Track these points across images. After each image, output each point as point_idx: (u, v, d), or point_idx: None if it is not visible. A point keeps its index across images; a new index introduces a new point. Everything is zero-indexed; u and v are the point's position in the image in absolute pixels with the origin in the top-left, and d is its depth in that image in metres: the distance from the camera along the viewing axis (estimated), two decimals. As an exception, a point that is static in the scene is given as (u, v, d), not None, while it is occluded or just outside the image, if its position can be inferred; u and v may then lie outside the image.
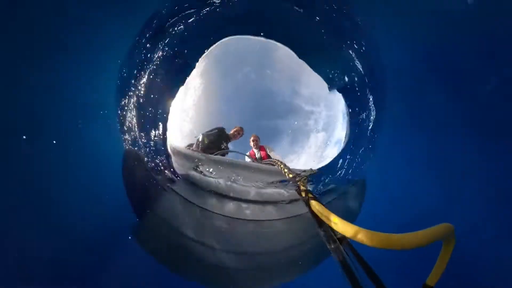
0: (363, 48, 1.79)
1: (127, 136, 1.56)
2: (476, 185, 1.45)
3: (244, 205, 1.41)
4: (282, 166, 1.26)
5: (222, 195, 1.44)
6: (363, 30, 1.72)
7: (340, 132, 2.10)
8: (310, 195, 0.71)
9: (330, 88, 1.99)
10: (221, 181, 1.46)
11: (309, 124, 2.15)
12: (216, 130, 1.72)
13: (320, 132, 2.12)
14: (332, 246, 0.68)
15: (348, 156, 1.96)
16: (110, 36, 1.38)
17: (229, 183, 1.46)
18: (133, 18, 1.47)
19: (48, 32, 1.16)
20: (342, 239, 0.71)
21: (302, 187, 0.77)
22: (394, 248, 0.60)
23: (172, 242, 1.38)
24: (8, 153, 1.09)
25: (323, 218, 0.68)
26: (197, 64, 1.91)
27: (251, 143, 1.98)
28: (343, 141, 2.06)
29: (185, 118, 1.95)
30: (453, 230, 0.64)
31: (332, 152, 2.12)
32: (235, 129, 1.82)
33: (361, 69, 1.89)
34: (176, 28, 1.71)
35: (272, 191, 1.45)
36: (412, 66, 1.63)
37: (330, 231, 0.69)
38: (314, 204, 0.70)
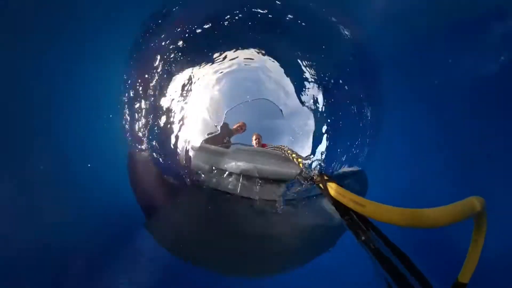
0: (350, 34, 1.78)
1: (134, 135, 1.55)
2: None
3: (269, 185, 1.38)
4: (288, 151, 1.17)
5: (246, 178, 1.41)
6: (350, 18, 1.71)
7: (339, 132, 2.08)
8: (326, 177, 0.59)
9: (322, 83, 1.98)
10: (245, 165, 1.44)
11: (309, 124, 2.13)
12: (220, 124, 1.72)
13: (319, 132, 2.10)
14: (363, 238, 0.56)
15: (345, 147, 1.95)
16: (115, 30, 1.38)
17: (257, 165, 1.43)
18: (138, 13, 1.47)
19: (51, 32, 1.14)
20: (371, 225, 0.59)
21: (314, 171, 0.65)
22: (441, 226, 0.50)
23: (184, 230, 1.35)
24: (11, 153, 1.06)
25: (347, 202, 0.56)
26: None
27: (253, 142, 2.01)
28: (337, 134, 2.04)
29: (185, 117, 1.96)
30: (483, 205, 0.54)
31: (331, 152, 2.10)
32: (238, 124, 1.84)
33: (352, 58, 1.87)
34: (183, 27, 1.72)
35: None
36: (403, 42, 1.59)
37: (356, 219, 0.57)
38: (333, 186, 0.58)
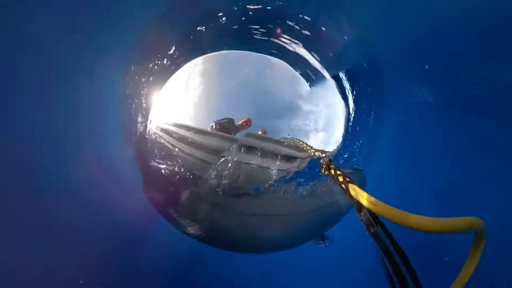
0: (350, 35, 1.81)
1: (141, 132, 1.58)
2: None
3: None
4: (304, 145, 1.27)
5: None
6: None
7: (340, 130, 2.14)
8: (348, 179, 0.73)
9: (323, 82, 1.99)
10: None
11: (308, 123, 2.22)
12: (226, 120, 1.76)
13: (320, 132, 2.19)
14: (372, 231, 0.70)
15: (346, 147, 2.01)
16: (117, 28, 1.40)
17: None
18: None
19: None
20: (379, 222, 0.73)
21: (338, 172, 0.79)
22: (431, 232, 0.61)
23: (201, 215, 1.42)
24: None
25: (363, 201, 0.70)
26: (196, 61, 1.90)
27: None
28: (342, 136, 2.09)
29: (184, 117, 1.98)
30: (482, 227, 0.62)
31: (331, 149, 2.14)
32: (243, 120, 1.87)
33: (353, 60, 1.92)
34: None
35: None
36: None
37: (369, 216, 0.71)
38: (353, 187, 0.72)
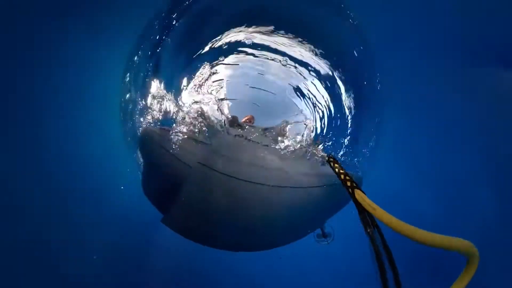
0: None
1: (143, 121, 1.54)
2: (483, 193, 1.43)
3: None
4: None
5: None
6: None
7: (339, 130, 2.14)
8: (354, 184, 0.81)
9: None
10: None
11: (308, 124, 2.23)
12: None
13: (318, 131, 2.21)
14: (368, 231, 0.79)
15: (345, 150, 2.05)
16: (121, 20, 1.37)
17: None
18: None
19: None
20: (376, 224, 0.81)
21: (347, 177, 0.87)
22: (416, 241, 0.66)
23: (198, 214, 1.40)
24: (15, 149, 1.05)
25: (365, 205, 0.78)
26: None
27: None
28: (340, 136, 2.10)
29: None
30: (474, 252, 0.64)
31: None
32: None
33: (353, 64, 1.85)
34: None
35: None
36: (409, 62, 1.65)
37: (368, 218, 0.79)
38: (358, 192, 0.79)
